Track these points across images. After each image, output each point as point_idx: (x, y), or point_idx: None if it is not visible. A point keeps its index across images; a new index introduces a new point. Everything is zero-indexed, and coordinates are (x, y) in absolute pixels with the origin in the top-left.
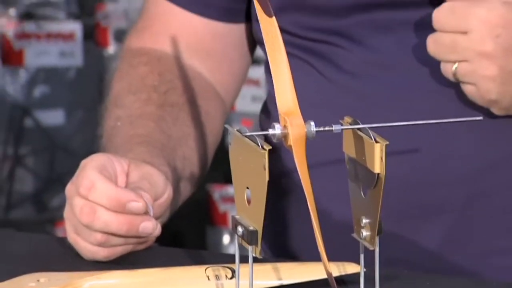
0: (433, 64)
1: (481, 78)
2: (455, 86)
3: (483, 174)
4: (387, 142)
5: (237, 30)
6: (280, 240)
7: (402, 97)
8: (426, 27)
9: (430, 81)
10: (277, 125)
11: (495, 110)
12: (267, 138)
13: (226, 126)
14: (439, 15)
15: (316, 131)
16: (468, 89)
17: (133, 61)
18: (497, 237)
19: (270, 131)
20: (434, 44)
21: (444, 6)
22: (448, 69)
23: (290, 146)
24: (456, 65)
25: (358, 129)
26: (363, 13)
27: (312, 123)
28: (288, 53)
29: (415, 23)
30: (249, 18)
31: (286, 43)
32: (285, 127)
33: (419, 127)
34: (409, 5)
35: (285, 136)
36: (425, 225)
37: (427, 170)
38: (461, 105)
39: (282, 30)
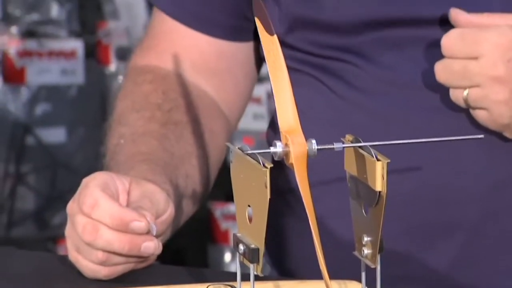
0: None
1: (493, 103)
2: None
3: (495, 192)
4: (389, 160)
5: (243, 48)
6: (284, 257)
7: (412, 115)
8: (437, 44)
9: (442, 99)
10: (278, 143)
11: (508, 134)
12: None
13: (228, 144)
14: (448, 42)
15: (318, 149)
16: (479, 114)
17: (137, 79)
18: (509, 257)
19: (272, 149)
20: (443, 71)
21: (453, 32)
22: (458, 95)
23: (292, 164)
24: (467, 91)
25: (360, 147)
26: (375, 31)
27: (314, 141)
28: (298, 71)
29: (428, 41)
30: (256, 36)
31: (297, 60)
32: (286, 145)
33: (430, 144)
34: (420, 23)
35: (286, 154)
36: (436, 243)
37: (438, 187)
38: (472, 124)
39: (293, 47)
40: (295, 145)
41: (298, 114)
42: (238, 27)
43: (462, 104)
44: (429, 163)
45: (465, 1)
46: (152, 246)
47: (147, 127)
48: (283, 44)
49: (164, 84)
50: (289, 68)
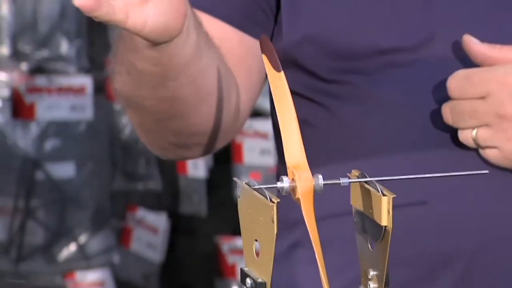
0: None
1: (503, 141)
2: None
3: (493, 223)
4: (394, 195)
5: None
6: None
7: (419, 139)
8: (442, 67)
9: (449, 128)
10: (285, 178)
11: None
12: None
13: (235, 179)
14: (455, 83)
15: (324, 184)
16: (490, 153)
17: None
18: (506, 287)
19: (278, 184)
20: (451, 113)
21: (458, 74)
22: (467, 136)
23: (298, 199)
24: (475, 130)
25: (365, 182)
26: (383, 56)
27: (320, 176)
28: (307, 98)
29: (437, 63)
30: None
31: (305, 86)
32: (293, 180)
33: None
34: (421, 48)
35: (293, 189)
36: (436, 273)
37: (437, 218)
38: (478, 153)
39: (302, 67)
40: (302, 180)
41: (305, 150)
42: (259, 22)
43: (471, 144)
44: (429, 194)
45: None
46: None
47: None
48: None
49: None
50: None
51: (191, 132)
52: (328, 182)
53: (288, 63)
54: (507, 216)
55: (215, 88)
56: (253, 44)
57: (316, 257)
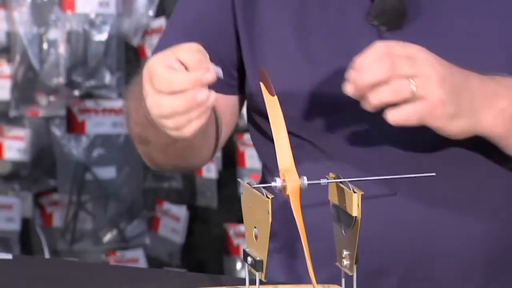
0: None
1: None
2: (431, 151)
3: (422, 241)
4: (363, 193)
5: (227, 100)
6: (290, 264)
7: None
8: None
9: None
10: (278, 179)
11: (457, 129)
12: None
13: (239, 179)
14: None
15: (308, 183)
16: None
17: None
18: None
19: (272, 184)
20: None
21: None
22: (405, 86)
23: (288, 195)
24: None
25: (341, 182)
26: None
27: (305, 178)
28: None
29: None
30: (240, 91)
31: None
32: (284, 180)
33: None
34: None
35: (284, 188)
36: (378, 284)
37: (373, 237)
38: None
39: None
40: (291, 181)
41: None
42: (227, 83)
43: (409, 94)
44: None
45: None
46: (205, 93)
47: None
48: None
49: None
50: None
51: (189, 166)
52: (311, 182)
53: (252, 107)
54: (437, 231)
55: (214, 131)
56: (227, 98)
57: (302, 240)
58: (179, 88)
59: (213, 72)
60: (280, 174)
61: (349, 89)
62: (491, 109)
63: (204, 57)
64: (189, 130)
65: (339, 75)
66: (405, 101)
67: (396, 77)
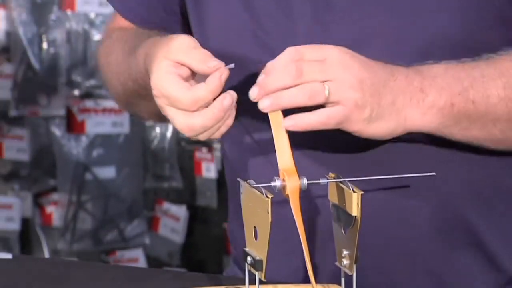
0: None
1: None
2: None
3: (392, 226)
4: (362, 192)
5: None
6: (291, 264)
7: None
8: None
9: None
10: (278, 179)
11: (380, 131)
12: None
13: (239, 179)
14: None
15: (308, 183)
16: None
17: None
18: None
19: (272, 183)
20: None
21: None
22: (320, 90)
23: (287, 195)
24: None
25: (341, 182)
26: None
27: (305, 178)
28: None
29: None
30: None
31: None
32: (283, 180)
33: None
34: None
35: (284, 187)
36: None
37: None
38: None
39: None
40: (291, 181)
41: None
42: (167, 21)
43: (322, 100)
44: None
45: None
46: (229, 97)
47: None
48: None
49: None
50: None
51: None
52: (311, 182)
53: None
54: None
55: None
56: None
57: (301, 239)
58: (205, 103)
59: (225, 69)
60: (280, 173)
61: (254, 92)
62: (418, 106)
63: (204, 52)
64: (219, 133)
65: (285, 34)
66: (321, 106)
67: (307, 82)
